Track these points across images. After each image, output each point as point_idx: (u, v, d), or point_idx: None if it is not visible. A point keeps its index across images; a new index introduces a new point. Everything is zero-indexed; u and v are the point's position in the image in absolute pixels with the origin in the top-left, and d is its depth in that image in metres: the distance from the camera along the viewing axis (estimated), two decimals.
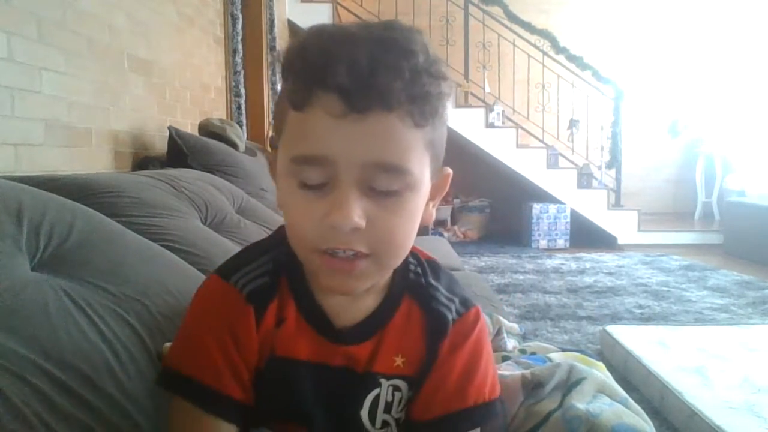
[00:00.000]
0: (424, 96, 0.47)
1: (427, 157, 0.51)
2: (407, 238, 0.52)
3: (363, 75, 0.44)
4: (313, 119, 0.47)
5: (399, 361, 0.58)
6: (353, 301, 0.58)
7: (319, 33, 0.48)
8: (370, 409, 0.57)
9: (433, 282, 0.61)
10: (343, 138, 0.46)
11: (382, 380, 0.58)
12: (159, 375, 0.59)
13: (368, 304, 0.58)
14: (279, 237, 0.59)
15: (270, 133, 3.52)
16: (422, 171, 0.50)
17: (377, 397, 0.58)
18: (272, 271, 0.58)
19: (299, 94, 0.47)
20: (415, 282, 0.60)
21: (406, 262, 0.60)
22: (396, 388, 0.58)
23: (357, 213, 0.47)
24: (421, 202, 0.52)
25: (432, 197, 0.56)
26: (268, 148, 3.22)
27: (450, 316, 0.59)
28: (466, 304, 0.61)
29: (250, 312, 0.55)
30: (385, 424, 0.58)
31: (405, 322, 0.59)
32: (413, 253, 0.62)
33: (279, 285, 0.57)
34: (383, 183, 0.48)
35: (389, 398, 0.58)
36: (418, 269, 0.62)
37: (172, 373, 0.57)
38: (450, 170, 0.58)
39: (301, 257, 0.54)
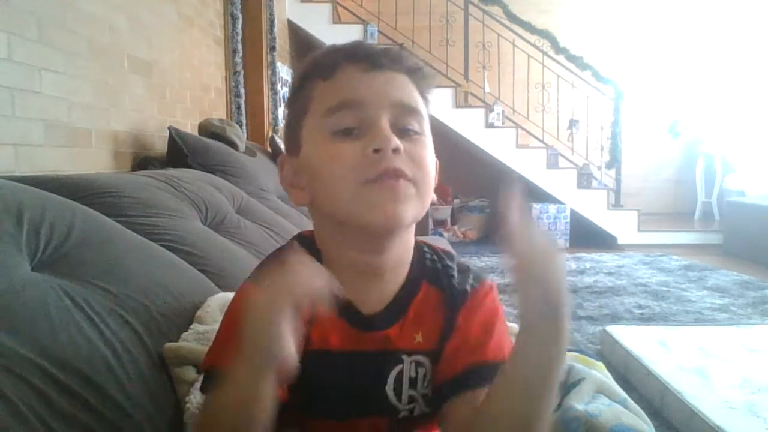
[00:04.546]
0: (420, 69, 0.61)
1: (426, 121, 0.61)
2: (433, 172, 0.60)
3: (378, 51, 0.60)
4: (343, 77, 0.58)
5: (418, 337, 0.61)
6: (374, 290, 0.61)
7: (332, 45, 0.62)
8: (395, 385, 0.60)
9: (448, 263, 0.65)
10: (370, 85, 0.57)
11: (404, 356, 0.61)
12: (201, 383, 0.61)
13: (390, 289, 0.62)
14: (295, 242, 0.65)
15: (270, 134, 3.52)
16: (428, 130, 0.61)
17: (401, 373, 0.60)
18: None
19: (329, 68, 0.58)
20: (431, 268, 0.65)
21: (422, 251, 0.65)
22: (419, 364, 0.61)
23: (394, 139, 0.55)
24: (432, 152, 0.61)
25: None
26: (268, 149, 3.22)
27: (467, 289, 0.63)
28: (479, 277, 0.65)
29: None
30: (411, 399, 0.61)
31: (424, 304, 0.62)
32: (428, 244, 0.67)
33: None
34: (405, 123, 0.58)
35: (413, 374, 0.61)
36: (434, 257, 0.66)
37: (211, 372, 0.57)
38: (437, 160, 0.63)
39: (344, 203, 0.56)
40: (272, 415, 0.52)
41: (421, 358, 0.61)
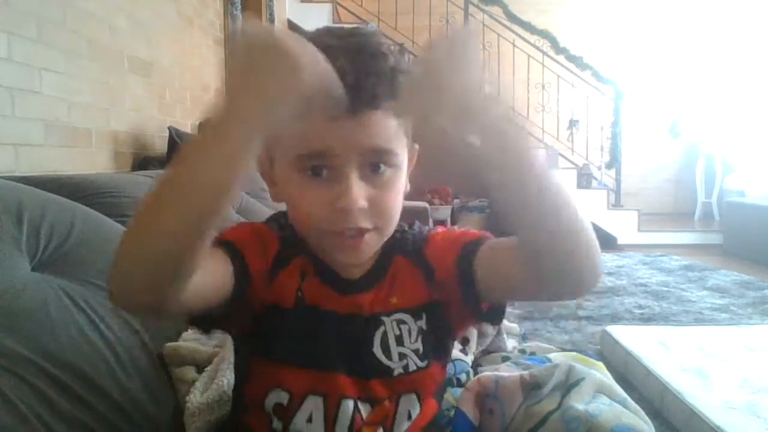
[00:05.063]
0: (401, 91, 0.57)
1: (404, 137, 0.60)
2: (398, 209, 0.62)
3: (350, 84, 0.52)
4: (312, 123, 0.53)
5: (394, 300, 0.65)
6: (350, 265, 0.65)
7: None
8: (382, 345, 0.64)
9: (410, 230, 0.71)
10: (341, 135, 0.55)
11: (384, 318, 0.65)
12: None
13: (363, 265, 0.65)
14: (280, 214, 0.68)
15: None
16: (403, 150, 0.61)
17: (384, 334, 0.64)
18: (291, 233, 0.64)
19: None
20: (400, 239, 0.69)
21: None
22: (400, 322, 0.65)
23: (361, 195, 0.56)
24: (404, 178, 0.62)
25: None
26: None
27: (425, 235, 0.69)
28: (424, 228, 0.71)
29: (276, 244, 0.63)
30: (402, 356, 0.64)
31: (398, 272, 0.67)
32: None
33: (298, 244, 0.64)
34: (376, 162, 0.58)
35: (396, 332, 0.64)
36: (402, 228, 0.70)
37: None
38: (417, 146, 0.63)
39: (308, 237, 0.61)
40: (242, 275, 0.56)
41: (401, 315, 0.65)
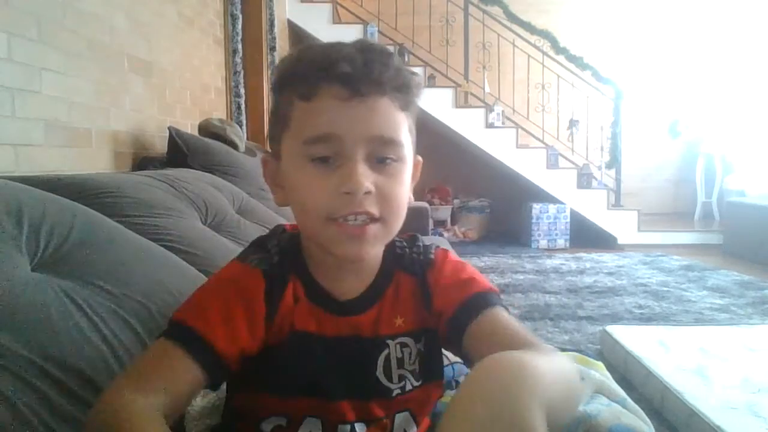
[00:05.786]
0: (406, 85, 0.59)
1: (410, 139, 0.61)
2: (404, 204, 0.61)
3: (360, 67, 0.55)
4: (321, 105, 0.56)
5: (399, 321, 0.65)
6: (350, 280, 0.64)
7: (310, 46, 0.60)
8: (384, 367, 0.63)
9: (412, 247, 0.70)
10: (349, 118, 0.56)
11: (389, 341, 0.64)
12: (163, 330, 0.58)
13: (364, 280, 0.65)
14: (277, 230, 0.68)
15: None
16: (409, 148, 0.61)
17: (388, 356, 0.64)
18: (281, 253, 0.64)
19: (307, 87, 0.57)
20: (402, 255, 0.68)
21: (394, 242, 0.68)
22: (403, 345, 0.65)
23: (367, 178, 0.56)
24: (409, 175, 0.62)
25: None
26: (268, 149, 3.22)
27: (431, 257, 0.68)
28: (434, 248, 0.70)
29: (261, 284, 0.60)
30: (401, 378, 0.64)
31: (399, 290, 0.66)
32: (399, 235, 0.69)
33: (289, 266, 0.63)
34: (383, 153, 0.57)
35: (399, 354, 0.64)
36: (403, 244, 0.70)
37: (176, 326, 0.57)
38: (420, 158, 0.67)
39: (313, 230, 0.60)
40: (216, 370, 0.55)
41: (404, 339, 0.65)
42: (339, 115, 0.55)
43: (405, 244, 0.70)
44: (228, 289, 0.60)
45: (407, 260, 0.68)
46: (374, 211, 0.57)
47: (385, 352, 0.64)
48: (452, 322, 0.62)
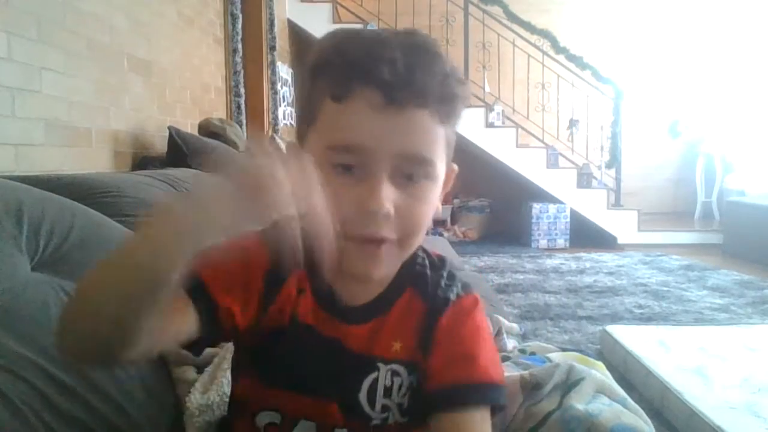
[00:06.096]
0: (452, 97, 0.53)
1: (445, 152, 0.56)
2: (426, 224, 0.56)
3: (402, 73, 0.49)
4: (352, 110, 0.50)
5: (397, 346, 0.60)
6: (357, 287, 0.60)
7: (352, 35, 0.54)
8: (369, 392, 0.58)
9: (436, 271, 0.63)
10: (381, 129, 0.50)
11: (380, 364, 0.59)
12: None
13: (373, 289, 0.60)
14: None
15: (270, 133, 3.52)
16: (441, 164, 0.55)
17: (375, 381, 0.59)
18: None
19: (340, 87, 0.51)
20: (419, 273, 0.63)
21: (414, 255, 0.62)
22: (395, 373, 0.59)
23: (389, 200, 0.51)
24: (438, 193, 0.57)
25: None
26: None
27: (450, 297, 0.61)
28: (466, 288, 0.64)
29: (267, 264, 0.57)
30: (385, 408, 0.59)
31: (406, 311, 0.61)
32: (422, 248, 0.64)
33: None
34: (411, 171, 0.52)
35: (388, 383, 0.59)
36: (425, 262, 0.64)
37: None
38: (456, 167, 0.61)
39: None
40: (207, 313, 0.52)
41: (398, 367, 0.59)
42: (370, 125, 0.50)
43: (428, 263, 0.64)
44: (238, 251, 0.56)
45: (424, 281, 0.62)
46: (390, 235, 0.53)
47: (374, 375, 0.59)
48: (430, 396, 0.57)
